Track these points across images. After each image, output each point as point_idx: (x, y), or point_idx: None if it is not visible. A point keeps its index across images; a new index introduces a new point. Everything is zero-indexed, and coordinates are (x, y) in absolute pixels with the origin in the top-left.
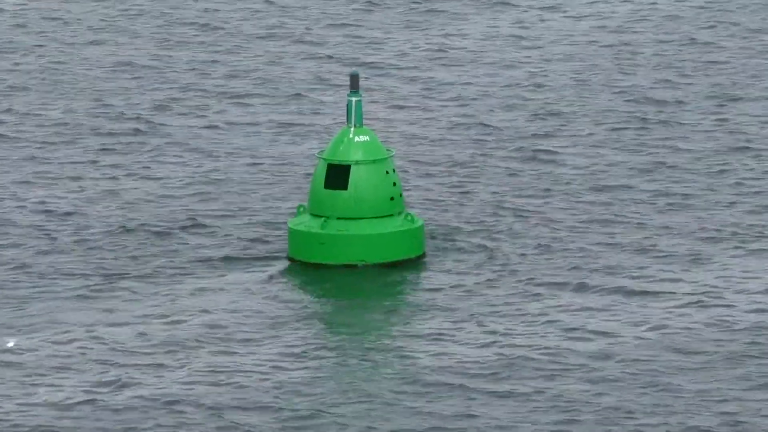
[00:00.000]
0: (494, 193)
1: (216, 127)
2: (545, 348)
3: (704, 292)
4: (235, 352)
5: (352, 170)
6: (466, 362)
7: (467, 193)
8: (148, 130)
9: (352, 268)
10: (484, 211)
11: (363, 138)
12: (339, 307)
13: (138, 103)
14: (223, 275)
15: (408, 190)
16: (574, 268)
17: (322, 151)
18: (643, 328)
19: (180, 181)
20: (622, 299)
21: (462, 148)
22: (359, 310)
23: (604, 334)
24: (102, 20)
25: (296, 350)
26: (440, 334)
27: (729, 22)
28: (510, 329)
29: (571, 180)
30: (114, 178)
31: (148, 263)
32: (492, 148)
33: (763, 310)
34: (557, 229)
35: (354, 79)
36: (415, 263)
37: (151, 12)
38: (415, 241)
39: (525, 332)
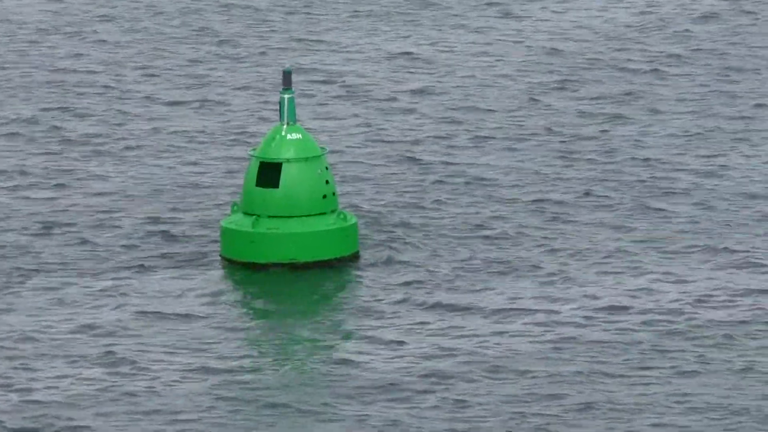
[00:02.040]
0: (429, 192)
1: (155, 128)
2: (479, 350)
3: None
4: (162, 352)
5: (283, 168)
6: (399, 363)
7: (403, 192)
8: (80, 131)
9: (285, 267)
10: (420, 209)
11: (295, 136)
12: (269, 306)
13: (71, 105)
14: (153, 275)
15: (344, 187)
16: (506, 266)
17: (254, 148)
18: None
19: (111, 181)
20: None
21: (399, 147)
22: (290, 310)
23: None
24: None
25: (225, 351)
26: (372, 333)
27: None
28: (443, 329)
29: (506, 185)
30: (54, 180)
31: (75, 264)
32: (429, 149)
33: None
34: (494, 228)
35: (287, 76)
36: (349, 261)
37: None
38: (348, 239)
39: (459, 331)
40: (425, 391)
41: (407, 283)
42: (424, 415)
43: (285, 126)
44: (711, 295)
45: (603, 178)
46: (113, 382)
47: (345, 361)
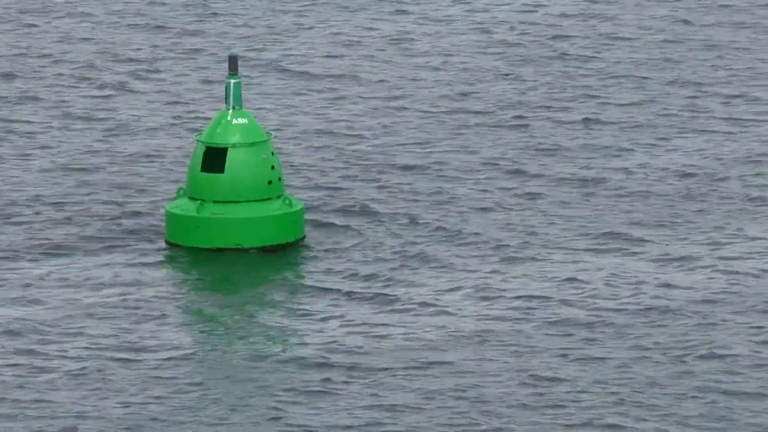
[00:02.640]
0: (376, 178)
1: (101, 112)
2: (419, 335)
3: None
4: (109, 336)
5: (229, 153)
6: (336, 347)
7: (350, 178)
8: (25, 117)
9: (230, 252)
10: (366, 196)
11: (241, 120)
12: (205, 294)
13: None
14: (96, 259)
15: (290, 173)
16: (444, 256)
17: (200, 133)
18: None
19: (59, 160)
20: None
21: (347, 133)
22: (225, 298)
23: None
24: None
25: (171, 337)
26: (315, 318)
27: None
28: (377, 319)
29: (450, 173)
30: None
31: (14, 248)
32: (377, 135)
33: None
34: (444, 213)
35: (233, 60)
36: (294, 247)
37: None
38: (293, 224)
39: (390, 323)
40: (347, 383)
41: (347, 271)
42: (347, 409)
43: (231, 111)
44: (638, 286)
45: (545, 165)
46: (29, 369)
47: (269, 352)
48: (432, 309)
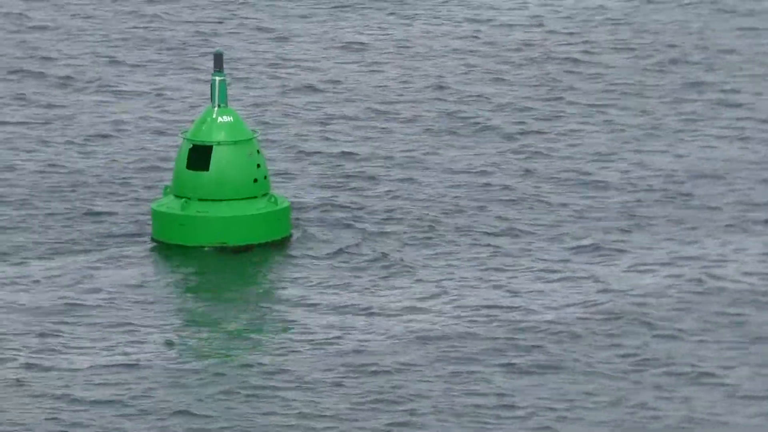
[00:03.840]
0: (366, 180)
1: (93, 111)
2: (400, 339)
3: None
4: (95, 335)
5: (214, 151)
6: (322, 350)
7: (338, 179)
8: (15, 117)
9: (217, 250)
10: (353, 197)
11: (227, 118)
12: (185, 292)
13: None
14: (84, 257)
15: (277, 171)
16: (438, 254)
17: (186, 130)
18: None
19: (46, 163)
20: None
21: (334, 134)
22: (205, 297)
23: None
24: None
25: (154, 335)
26: (298, 319)
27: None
28: (371, 314)
29: (432, 175)
30: None
31: (2, 247)
32: (366, 135)
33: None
34: (426, 214)
35: (218, 58)
36: (279, 245)
37: None
38: (278, 223)
39: (389, 319)
40: (275, 388)
41: (323, 276)
42: (271, 411)
43: (216, 108)
44: (561, 292)
45: (506, 169)
46: None
47: (221, 357)
48: (394, 318)
